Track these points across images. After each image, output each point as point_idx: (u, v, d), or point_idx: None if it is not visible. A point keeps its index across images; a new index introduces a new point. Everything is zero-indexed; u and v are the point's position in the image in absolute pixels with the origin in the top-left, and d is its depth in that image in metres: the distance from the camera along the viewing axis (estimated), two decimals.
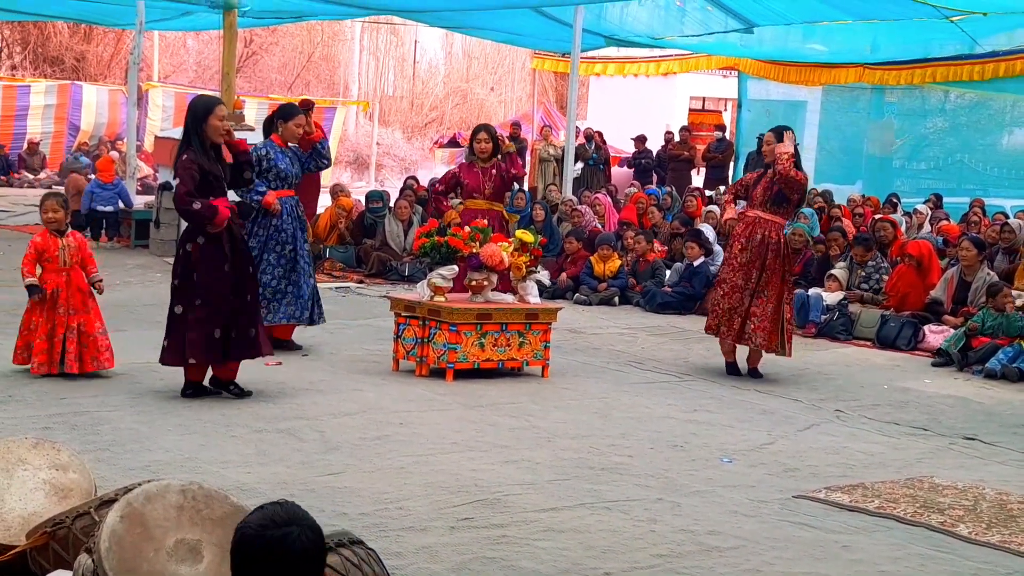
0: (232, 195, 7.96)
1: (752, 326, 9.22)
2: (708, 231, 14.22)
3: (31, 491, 4.27)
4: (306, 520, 2.85)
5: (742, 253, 9.25)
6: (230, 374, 7.68)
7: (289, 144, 9.34)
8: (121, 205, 16.46)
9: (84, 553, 3.61)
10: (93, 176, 17.69)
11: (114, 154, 18.23)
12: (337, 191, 16.60)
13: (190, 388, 7.61)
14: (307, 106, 9.68)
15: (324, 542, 2.87)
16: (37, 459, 4.38)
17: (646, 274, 13.64)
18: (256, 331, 7.64)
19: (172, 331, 7.49)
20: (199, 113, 7.43)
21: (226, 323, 7.47)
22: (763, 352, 9.39)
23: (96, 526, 3.70)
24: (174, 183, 7.54)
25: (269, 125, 9.45)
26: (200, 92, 26.97)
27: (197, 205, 7.30)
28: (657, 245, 14.88)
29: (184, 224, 7.74)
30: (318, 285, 9.76)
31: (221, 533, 3.70)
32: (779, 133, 9.28)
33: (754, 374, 9.49)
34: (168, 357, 7.54)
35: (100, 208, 16.17)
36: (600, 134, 23.46)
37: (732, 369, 9.53)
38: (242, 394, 7.65)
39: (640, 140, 23.76)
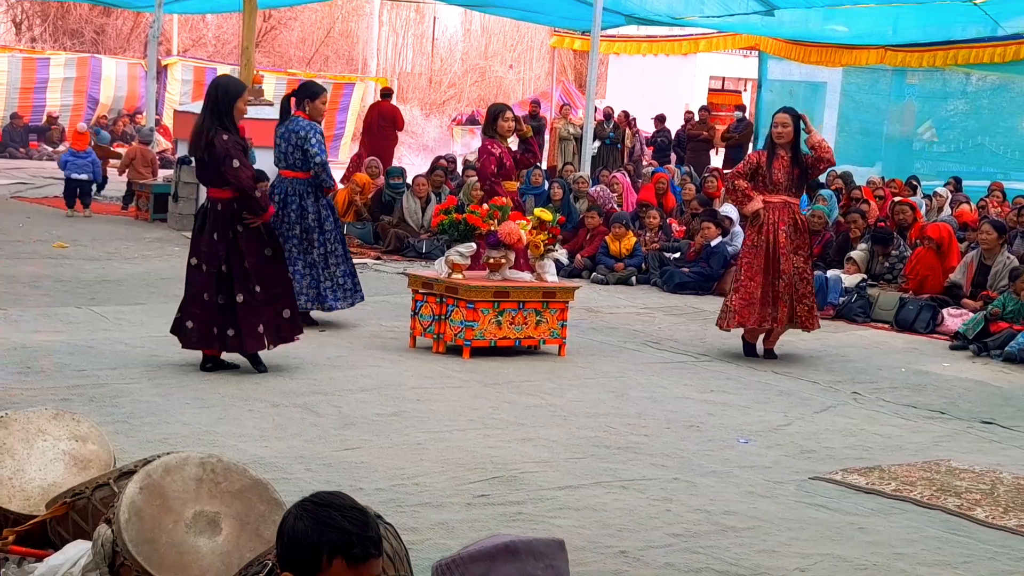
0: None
1: (813, 310, 9.27)
2: (733, 212, 14.17)
3: (51, 462, 4.29)
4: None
5: (788, 240, 9.13)
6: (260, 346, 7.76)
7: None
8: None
9: (103, 524, 3.63)
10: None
11: (81, 125, 18.64)
12: (372, 165, 16.82)
13: (209, 362, 7.64)
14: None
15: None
16: (57, 430, 4.39)
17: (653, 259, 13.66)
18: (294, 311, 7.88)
19: (239, 319, 7.48)
20: (232, 94, 7.47)
21: (288, 304, 7.70)
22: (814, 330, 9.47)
23: (115, 497, 3.71)
24: (191, 157, 7.53)
25: (287, 104, 9.39)
26: (220, 67, 27.07)
27: (259, 193, 7.54)
28: (675, 225, 14.88)
29: (202, 199, 7.77)
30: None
31: (239, 506, 3.72)
32: (794, 116, 9.21)
33: (769, 355, 9.46)
34: (248, 344, 7.55)
35: (75, 176, 16.32)
36: (626, 113, 23.46)
37: (749, 350, 9.50)
38: (261, 370, 7.67)
39: (659, 119, 23.71)
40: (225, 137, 7.36)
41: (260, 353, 7.70)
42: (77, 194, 16.26)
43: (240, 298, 7.46)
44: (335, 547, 2.77)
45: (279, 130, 9.30)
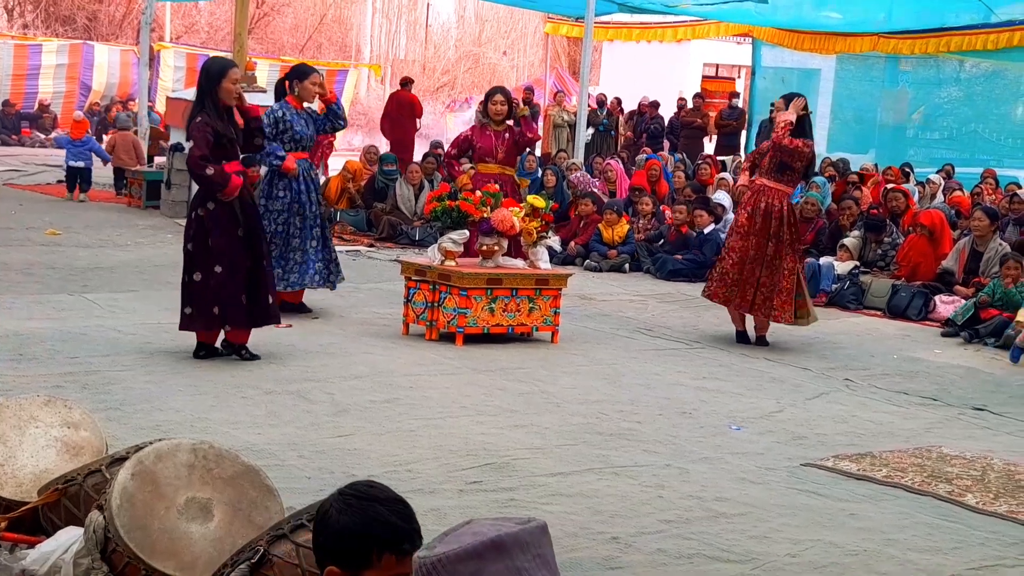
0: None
1: (772, 300, 9.15)
2: (725, 199, 14.20)
3: (43, 448, 4.29)
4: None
5: (749, 222, 9.19)
6: (243, 338, 7.69)
7: (304, 105, 9.30)
8: (95, 161, 17.19)
9: (95, 510, 3.63)
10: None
11: (78, 114, 18.98)
12: (372, 151, 16.96)
13: (202, 349, 7.62)
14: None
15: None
16: (49, 417, 4.39)
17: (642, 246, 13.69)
18: (273, 298, 7.68)
19: (194, 298, 7.43)
20: (213, 75, 7.40)
21: (249, 289, 7.49)
22: (773, 322, 9.37)
23: (107, 484, 3.71)
24: (187, 145, 7.52)
25: (281, 87, 9.38)
26: (212, 53, 26.98)
27: (210, 171, 7.27)
28: (668, 212, 14.87)
29: (196, 187, 7.73)
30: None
31: (232, 492, 3.72)
32: (789, 100, 9.23)
33: (761, 342, 9.47)
34: (194, 324, 7.50)
35: (72, 164, 16.71)
36: (618, 99, 23.47)
37: (742, 337, 9.52)
38: (253, 357, 7.66)
39: (653, 106, 23.67)
40: (198, 120, 7.34)
41: (249, 344, 7.69)
42: (77, 180, 16.55)
43: (197, 276, 7.40)
44: (385, 543, 2.73)
45: None
